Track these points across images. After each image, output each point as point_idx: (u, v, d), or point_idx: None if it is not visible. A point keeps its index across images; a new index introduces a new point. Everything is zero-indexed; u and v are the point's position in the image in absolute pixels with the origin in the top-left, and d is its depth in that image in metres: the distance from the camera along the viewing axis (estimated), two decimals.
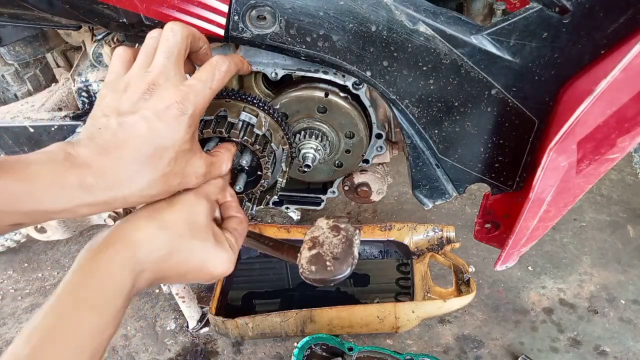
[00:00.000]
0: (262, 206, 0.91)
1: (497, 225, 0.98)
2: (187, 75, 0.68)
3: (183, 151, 0.61)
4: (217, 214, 0.73)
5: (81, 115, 1.06)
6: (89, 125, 0.60)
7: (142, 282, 0.59)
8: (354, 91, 0.87)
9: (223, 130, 0.75)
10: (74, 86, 1.08)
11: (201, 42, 0.67)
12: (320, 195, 1.14)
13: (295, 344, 1.33)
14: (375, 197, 1.15)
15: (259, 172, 0.83)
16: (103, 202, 0.57)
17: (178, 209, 0.63)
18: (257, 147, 0.77)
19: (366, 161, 1.02)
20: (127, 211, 1.17)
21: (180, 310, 1.62)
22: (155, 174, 0.59)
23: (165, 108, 0.58)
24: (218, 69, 0.64)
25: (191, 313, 1.60)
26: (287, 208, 1.17)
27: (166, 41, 0.62)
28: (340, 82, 0.86)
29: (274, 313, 1.48)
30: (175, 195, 0.65)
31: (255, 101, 0.81)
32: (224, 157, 0.71)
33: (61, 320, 0.50)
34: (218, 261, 0.64)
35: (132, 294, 0.57)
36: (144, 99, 0.59)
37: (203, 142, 0.77)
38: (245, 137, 0.76)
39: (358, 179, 1.12)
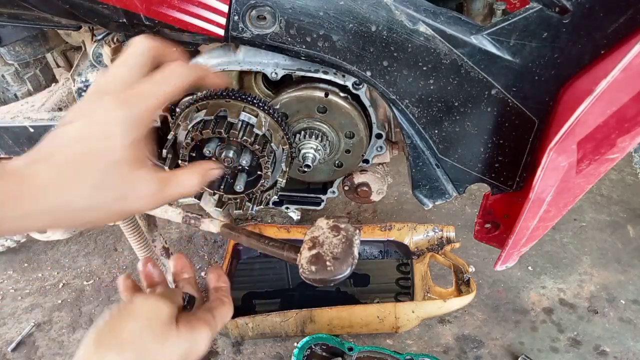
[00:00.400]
0: (262, 206, 0.91)
1: (497, 225, 0.98)
2: None
3: (119, 161, 0.55)
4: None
5: None
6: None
7: None
8: (354, 91, 0.87)
9: (222, 130, 0.75)
10: (74, 86, 1.08)
11: (174, 55, 0.64)
12: (320, 195, 1.14)
13: (295, 344, 1.33)
14: (375, 197, 1.15)
15: (259, 172, 0.83)
16: (28, 215, 0.52)
17: (133, 321, 0.59)
18: (257, 147, 0.77)
19: (366, 161, 1.02)
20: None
21: None
22: (85, 183, 0.53)
23: (102, 113, 0.55)
24: (174, 73, 0.60)
25: None
26: (287, 208, 1.17)
27: (126, 52, 0.60)
28: (340, 82, 0.86)
29: (274, 313, 1.48)
30: (129, 306, 0.61)
31: (255, 101, 0.81)
32: (189, 173, 0.64)
33: None
34: (198, 346, 0.63)
35: None
36: (88, 108, 0.56)
37: (203, 142, 0.77)
38: (245, 137, 0.76)
39: (358, 179, 1.12)
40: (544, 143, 0.78)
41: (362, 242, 1.72)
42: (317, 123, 0.93)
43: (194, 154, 0.80)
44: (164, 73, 0.59)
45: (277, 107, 0.90)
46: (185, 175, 0.63)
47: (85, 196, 0.53)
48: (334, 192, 1.13)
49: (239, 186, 0.80)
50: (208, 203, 0.92)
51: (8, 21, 0.85)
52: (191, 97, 0.83)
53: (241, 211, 0.87)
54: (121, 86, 0.57)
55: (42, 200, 0.52)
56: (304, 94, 0.89)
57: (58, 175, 0.53)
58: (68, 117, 0.57)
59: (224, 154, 0.78)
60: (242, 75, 0.94)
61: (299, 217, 1.99)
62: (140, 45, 0.61)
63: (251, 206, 0.88)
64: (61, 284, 1.85)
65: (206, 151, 0.76)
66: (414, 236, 1.69)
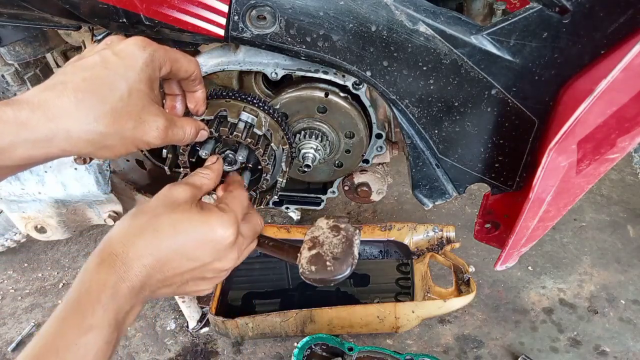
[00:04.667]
0: (262, 206, 0.91)
1: (497, 225, 0.98)
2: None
3: (137, 90, 0.57)
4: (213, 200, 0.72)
5: None
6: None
7: (138, 279, 0.57)
8: (354, 91, 0.87)
9: (222, 130, 0.75)
10: None
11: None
12: (320, 195, 1.14)
13: (295, 344, 1.33)
14: (375, 197, 1.15)
15: (258, 173, 0.83)
16: (43, 138, 0.53)
17: (154, 197, 0.63)
18: (257, 147, 0.77)
19: (366, 161, 1.02)
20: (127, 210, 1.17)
21: (180, 310, 1.62)
22: (104, 107, 0.55)
23: (124, 46, 0.58)
24: (189, 56, 0.66)
25: (191, 313, 1.60)
26: (287, 208, 1.17)
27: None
28: (340, 82, 0.86)
29: (274, 313, 1.48)
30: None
31: (255, 101, 0.81)
32: (189, 121, 0.68)
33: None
34: (213, 225, 0.62)
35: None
36: (106, 44, 0.59)
37: (201, 143, 0.77)
38: (245, 137, 0.76)
39: (358, 179, 1.12)
40: (544, 143, 0.78)
41: (362, 242, 1.72)
42: (317, 123, 0.93)
43: (193, 159, 0.80)
44: (179, 51, 0.65)
45: (277, 107, 0.90)
46: (186, 121, 0.67)
47: (104, 120, 0.55)
48: (334, 192, 1.13)
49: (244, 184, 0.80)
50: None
51: (8, 21, 0.85)
52: None
53: None
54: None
55: (56, 122, 0.53)
56: (304, 94, 0.89)
57: (72, 97, 0.54)
58: (78, 57, 0.59)
59: (222, 153, 0.78)
60: (242, 75, 0.94)
61: (299, 217, 1.99)
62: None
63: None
64: (61, 284, 1.85)
65: (202, 153, 0.76)
66: (414, 236, 1.69)
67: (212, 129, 0.74)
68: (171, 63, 0.63)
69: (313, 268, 0.79)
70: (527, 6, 0.68)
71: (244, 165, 0.81)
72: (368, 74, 0.77)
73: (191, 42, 0.80)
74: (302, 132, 0.93)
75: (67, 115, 0.53)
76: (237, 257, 0.67)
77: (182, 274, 0.62)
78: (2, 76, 1.17)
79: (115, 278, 0.55)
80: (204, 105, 0.73)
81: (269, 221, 2.06)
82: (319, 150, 0.93)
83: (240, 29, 0.73)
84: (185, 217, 0.61)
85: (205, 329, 1.63)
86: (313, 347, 1.32)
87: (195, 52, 0.90)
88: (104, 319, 0.54)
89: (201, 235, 0.61)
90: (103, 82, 0.55)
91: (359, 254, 0.83)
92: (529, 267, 1.81)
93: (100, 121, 0.55)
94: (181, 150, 0.78)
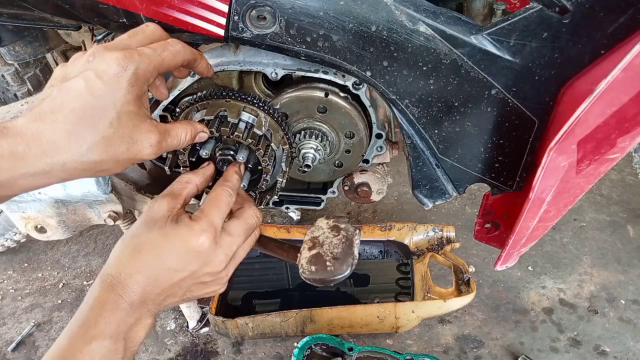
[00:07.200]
0: (262, 206, 0.91)
1: (497, 225, 0.98)
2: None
3: (127, 113, 0.57)
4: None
5: None
6: (35, 99, 0.60)
7: (133, 294, 0.61)
8: (354, 91, 0.87)
9: (222, 130, 0.75)
10: None
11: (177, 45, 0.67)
12: (320, 195, 1.14)
13: (295, 344, 1.33)
14: (375, 197, 1.15)
15: (258, 173, 0.83)
16: (41, 172, 0.54)
17: (139, 217, 0.67)
18: (257, 146, 0.77)
19: (366, 161, 1.02)
20: (127, 210, 1.17)
21: (180, 310, 1.62)
22: (95, 136, 0.55)
23: (106, 66, 0.57)
24: (172, 45, 0.64)
25: (191, 313, 1.60)
26: (287, 208, 1.17)
27: (137, 28, 0.64)
28: (340, 82, 0.86)
29: (274, 313, 1.48)
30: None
31: (255, 101, 0.81)
32: (182, 126, 0.68)
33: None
34: (184, 237, 0.64)
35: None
36: (88, 61, 0.58)
37: (202, 142, 0.77)
38: (246, 137, 0.76)
39: (358, 179, 1.12)
40: (544, 143, 0.78)
41: (362, 242, 1.72)
42: (317, 123, 0.93)
43: (193, 159, 0.80)
44: (161, 43, 0.63)
45: (277, 107, 0.90)
46: (180, 128, 0.67)
47: (97, 149, 0.56)
48: (334, 192, 1.13)
49: (243, 184, 0.80)
50: None
51: (8, 21, 0.85)
52: (191, 97, 0.83)
53: None
54: (120, 45, 0.60)
55: (51, 156, 0.54)
56: (304, 94, 0.89)
57: (64, 130, 0.54)
58: (70, 73, 0.59)
59: (222, 154, 0.78)
60: (242, 75, 0.94)
61: (299, 217, 1.99)
62: (149, 27, 0.65)
63: None
64: (61, 284, 1.85)
65: (203, 153, 0.76)
66: (414, 236, 1.69)
67: (212, 129, 0.74)
68: (157, 70, 0.62)
69: (313, 268, 0.79)
70: (527, 6, 0.68)
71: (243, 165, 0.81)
72: (368, 74, 0.77)
73: (191, 42, 0.80)
74: (302, 132, 0.93)
75: (61, 148, 0.54)
76: (226, 257, 0.68)
77: (178, 284, 0.65)
78: (2, 76, 1.17)
79: (114, 295, 0.61)
80: (210, 69, 0.74)
81: (269, 221, 2.06)
82: (319, 150, 0.93)
83: (240, 29, 0.73)
84: (161, 234, 0.64)
85: (205, 329, 1.63)
86: (313, 347, 1.32)
87: None
88: (105, 330, 0.59)
89: (177, 249, 0.64)
90: (92, 111, 0.56)
91: (359, 254, 0.83)
92: (529, 267, 1.81)
93: (93, 150, 0.56)
94: (181, 150, 0.78)
